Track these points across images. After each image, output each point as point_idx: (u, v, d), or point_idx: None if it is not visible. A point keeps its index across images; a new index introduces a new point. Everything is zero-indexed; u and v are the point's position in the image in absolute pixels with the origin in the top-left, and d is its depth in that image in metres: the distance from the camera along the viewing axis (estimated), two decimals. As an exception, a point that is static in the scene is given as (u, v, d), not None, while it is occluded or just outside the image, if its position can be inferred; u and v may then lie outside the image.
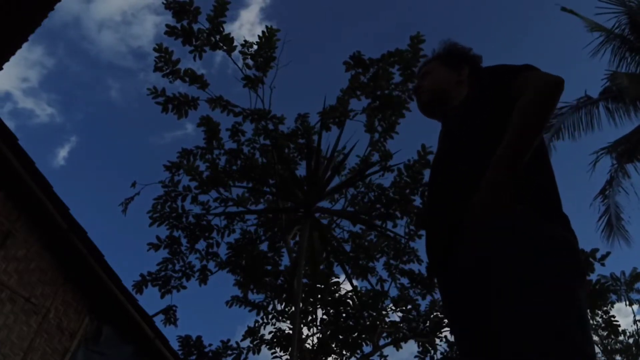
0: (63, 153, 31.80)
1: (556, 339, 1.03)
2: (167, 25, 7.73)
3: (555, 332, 1.03)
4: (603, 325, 12.88)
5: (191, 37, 7.76)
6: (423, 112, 1.71)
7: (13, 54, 4.92)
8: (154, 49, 7.76)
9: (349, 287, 10.86)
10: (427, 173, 8.13)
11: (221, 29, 7.77)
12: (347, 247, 9.04)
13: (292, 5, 30.55)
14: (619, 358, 16.91)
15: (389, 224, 8.49)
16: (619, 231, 10.59)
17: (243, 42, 8.03)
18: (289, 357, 8.76)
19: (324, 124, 8.11)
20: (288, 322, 9.22)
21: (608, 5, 10.50)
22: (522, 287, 1.08)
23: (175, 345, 8.44)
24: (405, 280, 9.23)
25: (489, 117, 1.37)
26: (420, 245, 9.09)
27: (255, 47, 7.97)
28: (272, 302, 9.26)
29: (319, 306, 9.05)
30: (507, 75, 1.40)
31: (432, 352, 9.41)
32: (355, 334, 8.96)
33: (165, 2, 7.62)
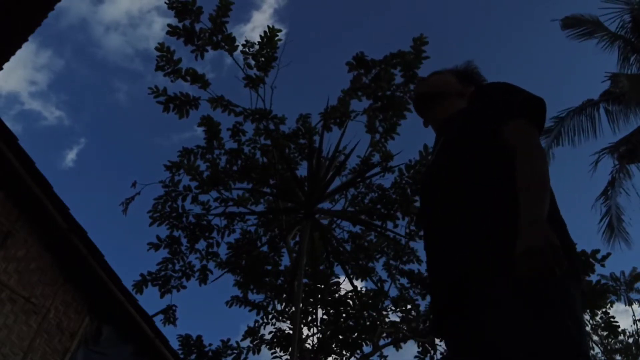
0: (71, 155, 31.89)
1: (552, 335, 1.05)
2: (169, 25, 7.72)
3: (550, 333, 1.06)
4: (603, 325, 12.89)
5: (193, 36, 7.74)
6: (415, 103, 1.72)
7: (13, 53, 4.90)
8: (156, 49, 7.76)
9: (349, 287, 10.87)
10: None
11: (224, 29, 7.75)
12: (347, 247, 9.03)
13: (306, 7, 30.49)
14: (619, 358, 16.91)
15: (390, 224, 8.48)
16: (619, 233, 10.59)
17: (244, 42, 8.03)
18: (289, 357, 8.77)
19: (325, 125, 8.10)
20: (288, 322, 9.22)
21: (611, 5, 10.48)
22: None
23: (175, 344, 8.45)
24: (405, 281, 9.24)
25: (482, 160, 1.36)
26: (420, 246, 9.09)
27: (256, 47, 7.96)
28: (272, 302, 9.26)
29: (319, 306, 9.04)
30: (500, 114, 1.40)
31: (432, 352, 9.42)
32: (355, 334, 8.95)
33: (167, 1, 7.60)
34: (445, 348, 1.43)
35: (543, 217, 1.16)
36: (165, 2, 7.56)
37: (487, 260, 1.19)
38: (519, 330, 1.08)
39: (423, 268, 9.16)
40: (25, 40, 4.68)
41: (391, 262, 9.18)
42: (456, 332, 1.29)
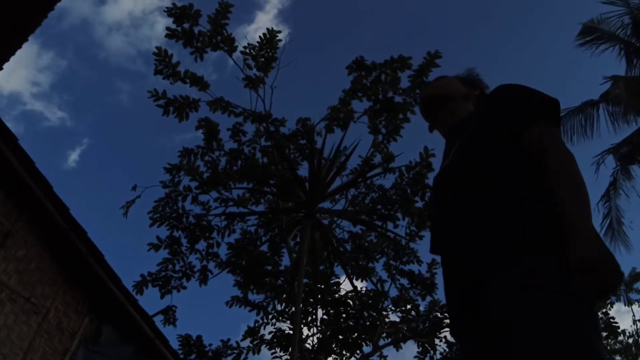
0: (74, 156, 31.90)
1: (571, 337, 1.04)
2: (167, 29, 7.74)
3: (570, 332, 1.04)
4: (602, 326, 12.91)
5: (192, 39, 7.76)
6: (423, 106, 1.73)
7: (13, 53, 4.90)
8: (154, 54, 7.79)
9: (349, 287, 10.87)
10: (428, 175, 8.11)
11: (223, 31, 7.76)
12: (347, 247, 9.04)
13: (309, 8, 30.47)
14: (619, 358, 16.90)
15: (390, 225, 8.48)
16: (619, 236, 10.57)
17: (246, 45, 8.04)
18: (289, 357, 8.77)
19: (328, 126, 8.13)
20: (288, 322, 9.23)
21: (611, 6, 10.50)
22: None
23: (175, 344, 8.45)
24: (405, 281, 9.24)
25: (501, 163, 1.34)
26: (420, 246, 9.09)
27: (256, 47, 7.97)
28: (272, 303, 9.26)
29: (319, 306, 9.04)
30: (520, 117, 1.37)
31: (432, 352, 9.43)
32: (355, 334, 8.96)
33: (166, 9, 7.66)
34: (460, 349, 1.42)
35: (592, 226, 1.12)
36: (164, 10, 7.63)
37: (500, 264, 1.19)
38: (535, 329, 1.07)
39: (423, 269, 9.17)
40: (25, 40, 4.67)
41: (391, 262, 9.19)
42: (473, 331, 1.29)
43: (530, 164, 1.31)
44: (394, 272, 9.16)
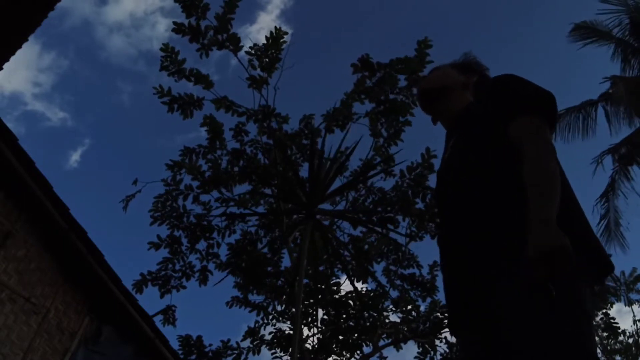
0: (75, 156, 31.90)
1: (562, 336, 1.04)
2: (174, 23, 7.64)
3: (562, 332, 1.05)
4: (603, 326, 12.90)
5: (198, 34, 7.70)
6: (420, 100, 1.71)
7: (13, 53, 4.89)
8: (161, 49, 7.74)
9: (350, 288, 10.88)
10: (430, 177, 8.09)
11: (229, 26, 7.69)
12: (348, 249, 9.02)
13: (312, 8, 30.37)
14: (619, 358, 16.89)
15: (390, 227, 8.43)
16: (616, 237, 10.57)
17: (251, 46, 7.99)
18: (289, 358, 8.76)
19: (328, 127, 8.10)
20: (288, 322, 9.23)
21: (609, 5, 10.49)
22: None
23: (175, 345, 8.44)
24: (405, 284, 9.22)
25: (494, 158, 1.33)
26: (420, 250, 9.08)
27: (262, 48, 7.92)
28: (272, 303, 9.25)
29: (319, 307, 9.04)
30: (507, 110, 1.36)
31: (432, 353, 9.43)
32: (356, 335, 8.96)
33: None
34: (460, 347, 1.42)
35: (553, 217, 1.12)
36: None
37: (499, 261, 1.19)
38: (530, 331, 1.07)
39: (424, 271, 9.14)
40: (25, 40, 4.67)
41: (391, 267, 9.16)
42: (473, 327, 1.29)
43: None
44: (393, 277, 9.13)
